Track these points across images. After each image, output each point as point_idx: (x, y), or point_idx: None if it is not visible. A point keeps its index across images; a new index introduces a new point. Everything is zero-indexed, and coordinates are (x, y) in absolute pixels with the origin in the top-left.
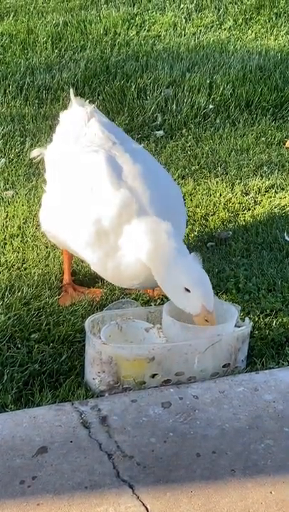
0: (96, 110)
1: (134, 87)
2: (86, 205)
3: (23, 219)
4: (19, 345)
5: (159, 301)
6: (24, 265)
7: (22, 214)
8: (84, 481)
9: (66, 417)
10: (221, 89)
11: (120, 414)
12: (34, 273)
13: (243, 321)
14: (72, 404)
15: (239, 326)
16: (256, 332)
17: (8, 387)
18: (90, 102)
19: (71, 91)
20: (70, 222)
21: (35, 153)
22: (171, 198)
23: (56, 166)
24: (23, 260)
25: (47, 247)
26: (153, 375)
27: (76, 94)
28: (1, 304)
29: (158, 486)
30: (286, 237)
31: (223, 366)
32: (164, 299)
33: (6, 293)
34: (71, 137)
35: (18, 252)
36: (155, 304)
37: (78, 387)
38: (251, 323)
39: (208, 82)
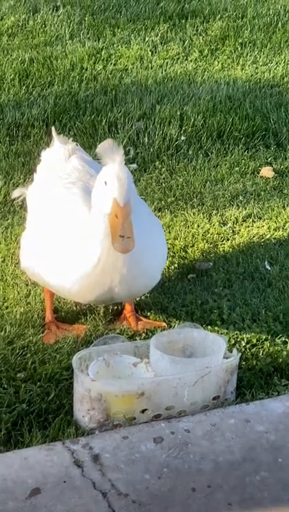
0: (78, 148)
1: (104, 121)
2: (62, 238)
3: (1, 257)
4: (5, 386)
5: (144, 335)
6: (5, 304)
7: (0, 252)
8: None
9: (58, 456)
10: (192, 120)
11: (112, 451)
12: (16, 311)
13: (231, 352)
14: (63, 443)
15: (227, 358)
16: (243, 363)
17: None
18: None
19: (53, 129)
20: (47, 256)
21: (16, 193)
22: (149, 228)
23: (35, 203)
24: (4, 299)
25: (27, 285)
26: (143, 411)
27: (46, 131)
28: None
29: None
30: (267, 267)
31: (213, 398)
32: (148, 332)
33: None
34: (52, 175)
35: None
36: (140, 339)
37: (68, 426)
38: (239, 353)
39: (178, 113)
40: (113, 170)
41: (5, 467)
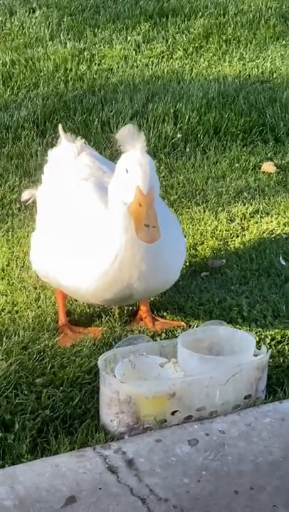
0: (87, 145)
1: (97, 120)
2: (77, 236)
3: (6, 261)
4: (26, 392)
5: (163, 335)
6: (15, 308)
7: (3, 256)
8: None
9: (90, 462)
10: (187, 117)
11: (146, 455)
12: (28, 316)
13: (259, 349)
14: (94, 449)
15: (256, 355)
16: (270, 360)
17: (22, 436)
18: (53, 138)
19: (60, 126)
20: (61, 256)
21: (26, 195)
22: (167, 222)
23: (47, 202)
24: (13, 303)
25: (36, 288)
26: (173, 412)
27: (37, 133)
28: (0, 350)
29: None
30: (282, 262)
31: (245, 398)
32: (168, 333)
33: (4, 338)
34: (63, 173)
35: (7, 296)
36: (160, 339)
37: (96, 431)
38: (270, 350)
39: (172, 111)
40: (134, 156)
41: (36, 476)
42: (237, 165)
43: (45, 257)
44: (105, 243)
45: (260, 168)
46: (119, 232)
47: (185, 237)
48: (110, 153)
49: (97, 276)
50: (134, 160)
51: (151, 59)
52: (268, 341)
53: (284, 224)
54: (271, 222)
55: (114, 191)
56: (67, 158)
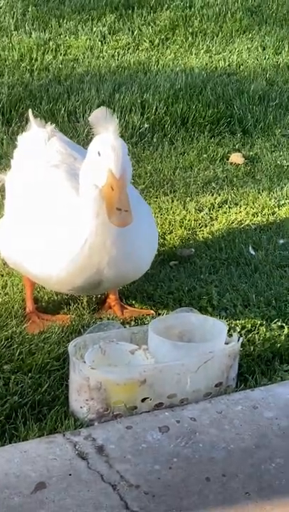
0: (57, 131)
1: (63, 110)
2: (47, 223)
3: None
4: None
5: (133, 323)
6: None
7: None
8: None
9: (60, 449)
10: (154, 108)
11: (117, 442)
12: None
13: (230, 337)
14: (64, 435)
15: (227, 343)
16: (241, 349)
17: None
18: (19, 127)
19: (29, 112)
20: (31, 244)
21: None
22: (138, 209)
23: (16, 189)
24: None
25: (2, 276)
26: (143, 399)
27: (3, 121)
28: None
29: None
30: (251, 251)
31: (216, 385)
32: (137, 320)
33: None
34: (33, 159)
35: None
36: (129, 327)
37: (65, 418)
38: (241, 338)
39: (139, 101)
40: (107, 139)
41: (5, 461)
42: (205, 155)
43: (14, 244)
44: (75, 228)
45: (228, 159)
46: (90, 216)
47: None
48: (77, 142)
49: (66, 261)
50: (107, 143)
51: (117, 50)
52: (239, 330)
53: (253, 214)
54: (240, 212)
55: (85, 174)
56: (37, 143)
